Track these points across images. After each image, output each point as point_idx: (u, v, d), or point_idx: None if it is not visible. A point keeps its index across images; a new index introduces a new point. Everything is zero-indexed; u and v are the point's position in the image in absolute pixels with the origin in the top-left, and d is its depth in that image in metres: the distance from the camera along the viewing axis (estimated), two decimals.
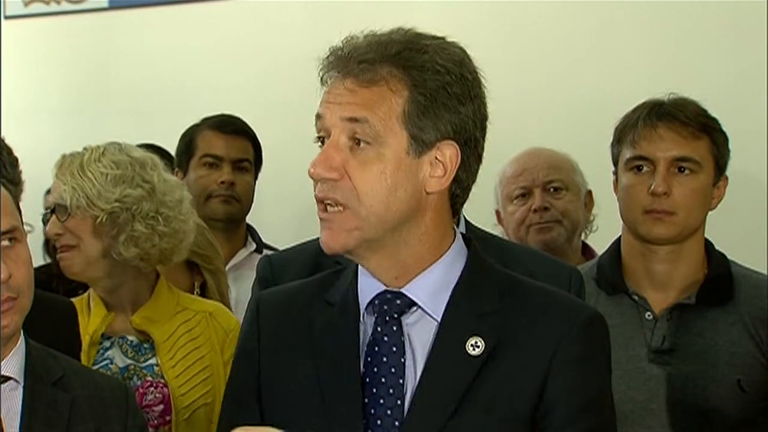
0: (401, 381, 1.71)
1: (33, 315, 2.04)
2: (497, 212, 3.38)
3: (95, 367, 2.62)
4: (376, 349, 1.73)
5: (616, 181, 2.70)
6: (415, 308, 1.75)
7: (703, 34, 3.84)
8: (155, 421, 2.63)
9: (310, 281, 1.89)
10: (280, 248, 2.94)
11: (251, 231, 3.71)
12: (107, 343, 2.70)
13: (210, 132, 3.63)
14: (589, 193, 3.39)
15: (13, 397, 2.00)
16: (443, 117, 1.70)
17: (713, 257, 2.66)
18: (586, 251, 3.38)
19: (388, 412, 1.70)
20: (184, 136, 3.67)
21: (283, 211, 4.21)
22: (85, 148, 2.72)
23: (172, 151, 3.67)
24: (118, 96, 4.69)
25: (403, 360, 1.72)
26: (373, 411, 1.71)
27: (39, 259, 3.25)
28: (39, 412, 1.99)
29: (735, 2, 3.78)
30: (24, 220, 2.05)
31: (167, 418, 2.65)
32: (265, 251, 3.53)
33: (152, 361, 2.69)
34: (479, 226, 2.22)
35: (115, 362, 2.68)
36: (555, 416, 1.68)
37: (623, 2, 3.94)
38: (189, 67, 4.55)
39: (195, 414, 2.66)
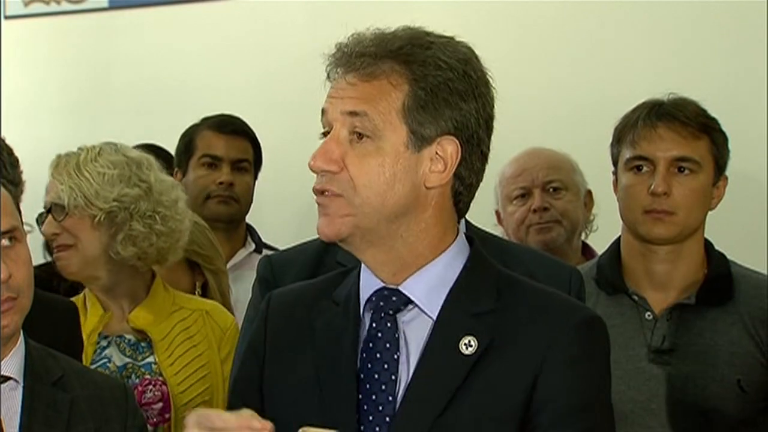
0: (394, 377, 1.71)
1: (33, 315, 2.04)
2: (497, 212, 3.38)
3: (93, 366, 2.63)
4: (371, 345, 1.73)
5: (615, 181, 2.70)
6: (411, 306, 1.74)
7: (703, 35, 3.83)
8: (154, 419, 2.64)
9: (319, 281, 1.89)
10: (280, 248, 2.93)
11: (251, 231, 3.71)
12: (104, 342, 2.71)
13: (209, 132, 3.62)
14: (589, 193, 3.39)
15: (13, 397, 2.00)
16: (444, 113, 1.70)
17: (713, 257, 2.66)
18: (586, 251, 3.38)
19: (380, 408, 1.70)
20: (183, 136, 3.67)
21: (283, 211, 4.20)
22: (80, 148, 2.73)
23: (172, 151, 3.67)
24: (118, 96, 4.68)
25: (396, 357, 1.72)
26: (366, 407, 1.71)
27: (39, 258, 3.24)
28: (39, 412, 1.99)
29: (735, 2, 3.77)
30: (24, 220, 2.06)
31: (166, 415, 2.66)
32: (265, 251, 3.53)
33: (150, 359, 2.70)
34: (479, 226, 2.22)
35: (113, 361, 2.69)
36: (545, 416, 1.67)
37: (623, 2, 3.94)
38: (189, 67, 4.55)
39: None
